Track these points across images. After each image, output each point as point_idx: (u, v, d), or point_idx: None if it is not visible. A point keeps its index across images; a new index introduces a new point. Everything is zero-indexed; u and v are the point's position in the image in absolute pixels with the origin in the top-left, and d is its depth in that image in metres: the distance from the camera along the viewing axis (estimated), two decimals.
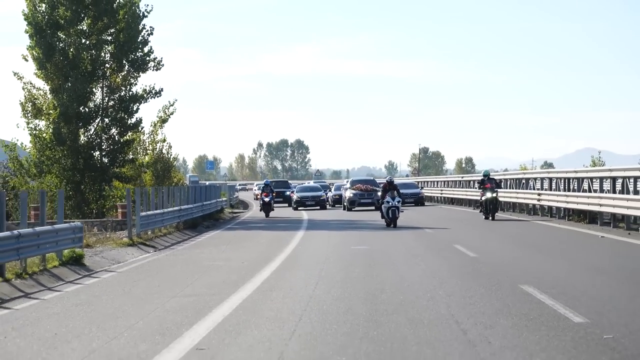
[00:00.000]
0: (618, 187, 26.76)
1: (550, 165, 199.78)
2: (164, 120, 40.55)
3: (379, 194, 32.09)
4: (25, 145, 37.51)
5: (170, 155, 47.23)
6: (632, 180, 25.40)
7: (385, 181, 31.56)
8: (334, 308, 10.86)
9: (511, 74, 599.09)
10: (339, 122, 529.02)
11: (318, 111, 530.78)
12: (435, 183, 60.78)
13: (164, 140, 44.74)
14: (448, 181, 57.09)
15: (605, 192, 26.92)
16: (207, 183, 66.36)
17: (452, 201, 51.80)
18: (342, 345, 8.51)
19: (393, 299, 11.50)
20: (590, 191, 28.54)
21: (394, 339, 8.75)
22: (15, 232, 14.79)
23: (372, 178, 55.64)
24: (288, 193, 56.64)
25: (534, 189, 36.23)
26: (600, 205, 25.76)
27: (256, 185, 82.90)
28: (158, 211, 25.51)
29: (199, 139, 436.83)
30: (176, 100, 40.17)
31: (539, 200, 33.87)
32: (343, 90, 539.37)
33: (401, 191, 43.97)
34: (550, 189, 33.14)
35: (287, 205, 54.35)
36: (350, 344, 8.57)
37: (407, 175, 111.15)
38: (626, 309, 10.41)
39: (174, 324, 10.04)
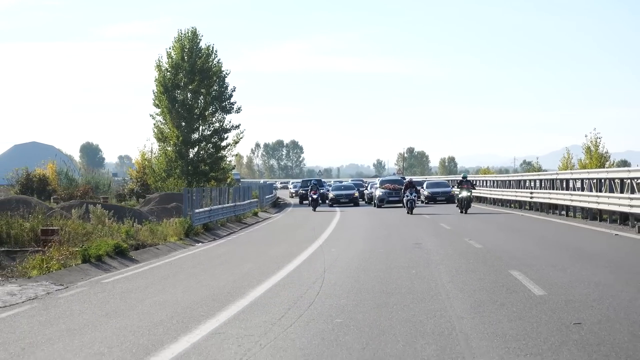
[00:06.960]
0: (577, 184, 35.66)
1: (529, 164, 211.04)
2: (236, 142, 64.39)
3: None
4: (139, 158, 61.36)
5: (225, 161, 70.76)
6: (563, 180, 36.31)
7: (406, 181, 42.73)
8: (369, 222, 36.86)
9: (508, 71, 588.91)
10: (328, 119, 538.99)
11: (307, 108, 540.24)
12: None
13: (237, 155, 68.55)
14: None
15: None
16: (261, 181, 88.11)
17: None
18: (376, 226, 34.25)
19: (390, 223, 37.12)
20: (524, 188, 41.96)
21: (389, 226, 34.04)
22: (241, 202, 39.14)
23: (399, 178, 59.87)
24: (321, 191, 58.85)
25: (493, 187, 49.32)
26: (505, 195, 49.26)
27: (291, 184, 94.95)
28: (268, 196, 50.00)
29: None
30: (245, 129, 64.26)
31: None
32: (331, 87, 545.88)
33: (434, 190, 55.03)
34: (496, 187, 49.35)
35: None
36: (377, 226, 34.59)
37: (394, 174, 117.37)
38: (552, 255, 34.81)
39: (326, 220, 35.51)
